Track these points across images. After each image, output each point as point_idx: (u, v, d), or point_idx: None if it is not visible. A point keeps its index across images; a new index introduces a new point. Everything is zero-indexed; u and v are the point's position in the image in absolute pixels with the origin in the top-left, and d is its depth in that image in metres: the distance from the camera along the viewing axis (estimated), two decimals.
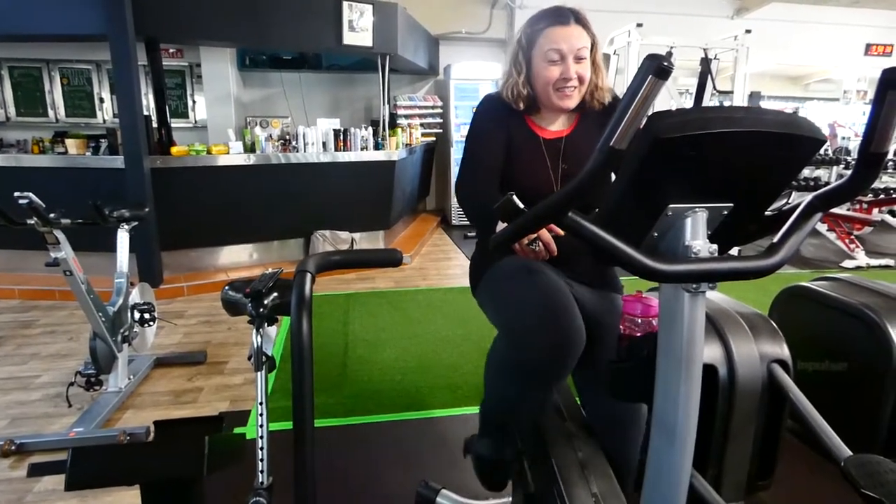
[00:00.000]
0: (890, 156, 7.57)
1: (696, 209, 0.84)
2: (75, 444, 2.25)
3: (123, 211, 2.70)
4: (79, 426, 2.37)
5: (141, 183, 4.12)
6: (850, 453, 1.27)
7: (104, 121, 6.84)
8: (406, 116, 7.01)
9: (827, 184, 0.95)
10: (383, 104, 5.82)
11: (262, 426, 1.32)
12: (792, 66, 9.43)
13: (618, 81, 5.90)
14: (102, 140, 4.74)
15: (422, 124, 7.11)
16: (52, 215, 2.28)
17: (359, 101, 7.55)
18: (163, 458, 1.06)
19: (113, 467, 1.03)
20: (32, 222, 2.27)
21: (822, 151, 6.78)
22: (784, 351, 1.62)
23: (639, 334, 1.13)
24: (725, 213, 0.86)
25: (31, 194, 2.18)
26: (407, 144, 6.05)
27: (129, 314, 2.78)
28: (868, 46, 8.29)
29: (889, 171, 6.56)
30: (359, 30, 5.06)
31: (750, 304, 1.81)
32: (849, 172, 0.84)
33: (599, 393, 1.42)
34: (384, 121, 5.75)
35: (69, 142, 4.53)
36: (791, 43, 7.99)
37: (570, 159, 1.52)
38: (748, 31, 5.50)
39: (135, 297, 2.88)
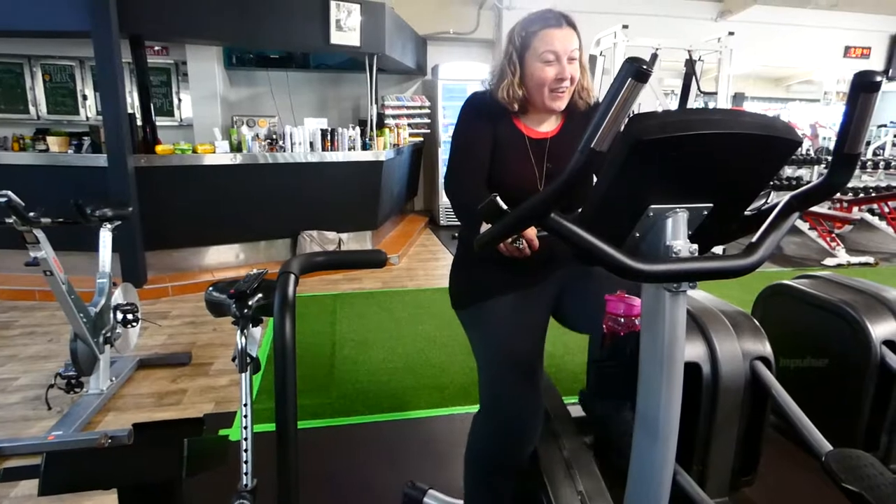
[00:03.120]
0: (869, 155, 7.73)
1: (677, 209, 0.85)
2: (54, 447, 2.22)
3: (106, 210, 2.66)
4: (58, 429, 2.33)
5: (124, 182, 4.07)
6: (831, 448, 1.29)
7: (87, 118, 6.75)
8: (394, 116, 6.99)
9: (808, 183, 0.96)
10: (371, 104, 5.80)
11: (246, 428, 1.31)
12: (774, 67, 9.56)
13: (604, 82, 5.93)
14: (85, 138, 4.68)
15: (409, 124, 7.09)
16: (31, 214, 2.24)
17: (346, 100, 7.52)
18: (140, 462, 1.05)
19: (89, 471, 1.01)
20: (11, 221, 2.23)
21: (803, 151, 6.89)
22: (766, 348, 1.64)
23: (622, 333, 1.14)
24: (705, 213, 0.87)
25: (9, 192, 2.15)
26: (395, 145, 6.03)
27: (111, 315, 2.74)
28: (847, 49, 8.42)
29: (868, 170, 6.68)
30: (346, 29, 5.04)
31: (734, 302, 1.83)
32: (826, 172, 0.86)
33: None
34: (372, 121, 5.73)
35: (51, 139, 4.45)
36: (773, 45, 8.09)
37: (556, 159, 1.54)
38: (731, 34, 5.56)
39: (118, 297, 2.84)
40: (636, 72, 0.67)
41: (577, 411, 1.80)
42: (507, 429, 1.45)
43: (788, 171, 6.92)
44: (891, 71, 8.41)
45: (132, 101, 5.38)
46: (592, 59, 5.57)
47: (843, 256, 5.49)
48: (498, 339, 1.49)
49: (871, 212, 6.32)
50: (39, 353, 3.28)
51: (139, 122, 4.71)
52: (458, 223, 1.70)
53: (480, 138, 1.52)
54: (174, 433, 1.10)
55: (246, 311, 1.29)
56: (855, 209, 6.17)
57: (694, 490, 1.45)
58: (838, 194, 5.92)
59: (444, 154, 7.19)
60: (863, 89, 0.73)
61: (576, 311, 1.59)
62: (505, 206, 0.82)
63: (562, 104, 1.50)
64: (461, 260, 1.65)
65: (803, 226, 5.88)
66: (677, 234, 0.85)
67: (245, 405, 1.31)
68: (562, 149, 1.54)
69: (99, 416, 2.56)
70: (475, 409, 1.53)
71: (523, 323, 1.51)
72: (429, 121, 7.38)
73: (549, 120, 1.57)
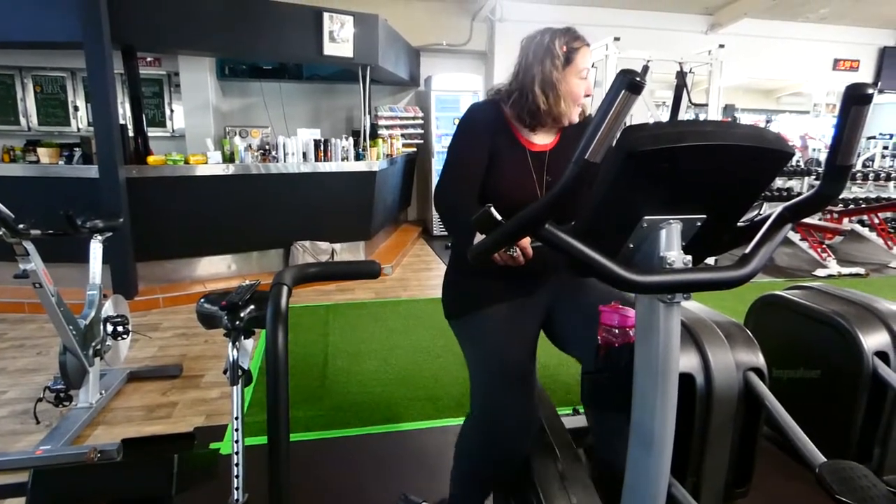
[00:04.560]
0: (859, 167, 7.81)
1: (671, 221, 0.85)
2: (42, 462, 2.18)
3: (97, 221, 2.64)
4: (47, 443, 2.30)
5: (116, 193, 4.04)
6: (825, 459, 1.29)
7: (78, 129, 6.72)
8: (387, 127, 7.02)
9: (799, 194, 0.97)
10: (364, 115, 5.81)
11: (237, 441, 1.29)
12: (764, 79, 9.68)
13: (596, 94, 5.97)
14: (76, 149, 4.65)
15: (403, 135, 7.12)
16: (21, 226, 2.22)
17: (340, 111, 7.54)
18: (130, 478, 1.03)
19: (77, 488, 1.00)
20: (0, 233, 2.21)
21: (794, 163, 6.95)
22: (759, 359, 1.64)
23: (616, 344, 1.13)
24: (699, 224, 0.87)
25: None
26: (388, 155, 6.04)
27: (101, 327, 2.72)
28: (836, 61, 8.54)
29: (858, 181, 6.74)
30: (339, 40, 5.06)
31: (727, 312, 1.84)
32: (819, 183, 0.86)
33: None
34: (365, 131, 5.74)
35: (41, 150, 4.41)
36: (763, 58, 8.20)
37: (555, 172, 1.55)
38: (721, 46, 5.63)
39: (108, 309, 2.81)
40: (630, 83, 0.68)
41: (571, 423, 1.79)
42: (497, 436, 1.45)
43: (779, 182, 6.98)
44: (880, 83, 8.53)
45: (124, 111, 5.36)
46: None
47: (834, 267, 5.53)
48: (490, 347, 1.49)
49: (862, 223, 6.38)
50: (28, 366, 3.24)
51: (131, 133, 4.69)
52: (447, 231, 1.71)
53: (476, 153, 1.52)
54: (164, 448, 1.09)
55: (238, 322, 1.28)
56: (845, 220, 6.22)
57: (688, 502, 1.44)
58: (829, 205, 5.97)
59: (437, 164, 7.21)
60: (855, 102, 0.73)
61: (566, 328, 1.59)
62: (500, 217, 0.82)
63: (577, 117, 1.56)
64: (454, 270, 1.65)
65: (794, 237, 5.92)
66: (671, 245, 0.85)
67: (236, 418, 1.30)
68: (560, 161, 1.55)
69: (88, 430, 2.52)
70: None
71: (516, 332, 1.51)
72: (422, 131, 7.41)
73: (549, 133, 1.58)
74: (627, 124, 0.75)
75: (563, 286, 1.59)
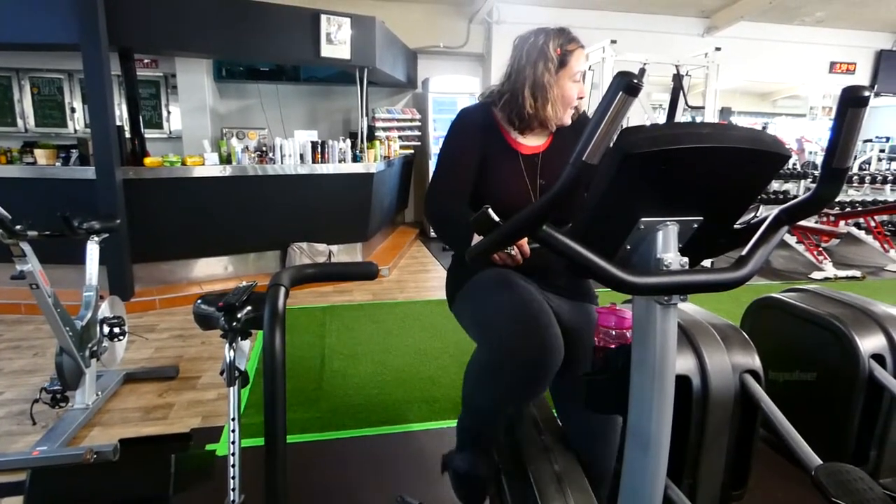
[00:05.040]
0: (855, 170, 7.84)
1: (668, 222, 0.85)
2: (39, 463, 2.17)
3: (93, 223, 2.64)
4: (43, 444, 2.29)
5: (112, 194, 4.04)
6: (821, 462, 1.29)
7: (75, 131, 6.72)
8: (384, 129, 7.02)
9: (795, 197, 0.97)
10: (361, 117, 5.82)
11: (234, 443, 1.29)
12: (760, 82, 9.71)
13: (593, 96, 5.99)
14: (73, 150, 4.64)
15: (400, 137, 7.12)
16: (18, 227, 2.21)
17: (337, 113, 7.54)
18: (127, 479, 1.03)
19: (74, 489, 1.00)
20: None
21: (790, 165, 6.98)
22: (756, 361, 1.65)
23: (613, 346, 1.14)
24: (696, 226, 0.88)
25: None
26: (385, 157, 6.04)
27: (98, 328, 2.71)
28: (832, 64, 8.58)
29: (854, 184, 6.77)
30: (337, 42, 5.06)
31: (723, 314, 1.84)
32: (815, 186, 0.87)
33: (577, 404, 1.43)
34: (362, 133, 5.75)
35: (38, 152, 4.40)
36: (759, 60, 8.23)
37: (548, 174, 1.54)
38: (718, 49, 5.65)
39: (104, 310, 2.81)
40: (627, 85, 0.68)
41: None
42: (538, 344, 1.26)
43: (775, 185, 7.00)
44: (876, 86, 8.57)
45: (121, 113, 5.37)
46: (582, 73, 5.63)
47: (830, 270, 5.55)
48: (500, 284, 1.41)
49: (858, 226, 6.40)
50: (25, 367, 3.22)
51: (128, 135, 4.68)
52: (438, 237, 1.67)
53: (468, 157, 1.51)
54: (161, 449, 1.09)
55: (235, 324, 1.28)
56: (842, 223, 6.24)
57: None
58: (825, 208, 5.98)
59: (434, 166, 7.20)
60: (851, 104, 0.74)
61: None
62: (497, 218, 0.82)
63: (570, 119, 1.54)
64: (457, 265, 1.63)
65: (791, 239, 5.94)
66: (668, 246, 0.85)
67: (233, 419, 1.30)
68: (553, 163, 1.55)
69: (84, 431, 2.51)
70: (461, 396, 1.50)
71: (526, 286, 1.44)
72: (419, 133, 7.42)
73: (540, 135, 1.58)
74: (624, 126, 0.75)
75: (564, 293, 1.58)
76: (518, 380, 1.29)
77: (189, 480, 1.06)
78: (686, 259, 0.86)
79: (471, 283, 1.51)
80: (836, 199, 6.27)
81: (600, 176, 0.78)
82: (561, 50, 1.46)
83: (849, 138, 0.76)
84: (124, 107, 4.89)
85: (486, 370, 1.38)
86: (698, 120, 6.09)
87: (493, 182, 1.52)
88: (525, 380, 1.29)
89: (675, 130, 0.77)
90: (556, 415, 1.71)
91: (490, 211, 0.82)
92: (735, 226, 0.93)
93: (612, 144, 0.73)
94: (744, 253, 0.88)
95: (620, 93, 0.68)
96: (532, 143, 1.56)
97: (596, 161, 0.72)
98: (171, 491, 1.01)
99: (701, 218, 0.87)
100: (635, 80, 0.68)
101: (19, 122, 6.62)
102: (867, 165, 8.46)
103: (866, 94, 0.73)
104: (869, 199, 6.65)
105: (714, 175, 0.82)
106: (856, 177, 6.79)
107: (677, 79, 5.63)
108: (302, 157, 5.03)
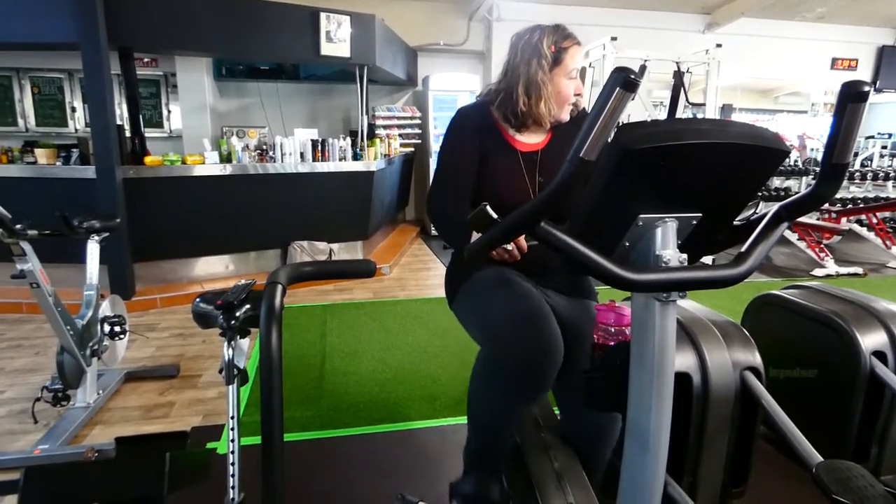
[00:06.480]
0: (857, 166, 7.82)
1: (666, 219, 0.85)
2: (40, 461, 2.18)
3: (94, 222, 2.64)
4: (44, 443, 2.29)
5: (113, 193, 4.04)
6: (821, 459, 1.29)
7: (76, 130, 6.72)
8: (384, 127, 7.01)
9: (796, 193, 0.96)
10: (361, 115, 5.81)
11: (233, 441, 1.29)
12: (762, 79, 9.69)
13: (593, 93, 5.98)
14: (73, 150, 4.64)
15: (400, 135, 7.11)
16: (18, 226, 2.22)
17: (337, 111, 7.53)
18: (121, 476, 1.03)
19: (69, 486, 1.00)
20: None
21: (791, 162, 6.96)
22: (756, 358, 1.65)
23: (612, 343, 1.13)
24: (695, 222, 0.87)
25: None
26: (385, 155, 6.04)
27: (98, 327, 2.71)
28: (834, 61, 8.55)
29: (856, 181, 6.75)
30: (336, 40, 5.06)
31: (724, 312, 1.84)
32: (815, 182, 0.86)
33: (576, 400, 1.43)
34: (362, 131, 5.74)
35: (39, 151, 4.40)
36: (760, 57, 8.21)
37: (547, 171, 1.54)
38: (719, 46, 5.63)
39: (105, 309, 2.81)
40: (624, 81, 0.68)
41: None
42: (522, 355, 1.27)
43: (777, 181, 6.99)
44: (878, 82, 8.54)
45: (121, 112, 5.36)
46: (582, 70, 5.63)
47: (832, 267, 5.53)
48: (500, 286, 1.42)
49: (860, 222, 6.38)
50: (26, 366, 3.23)
51: (128, 134, 4.68)
52: (440, 236, 1.67)
53: (467, 157, 1.51)
54: (157, 447, 1.08)
55: (233, 322, 1.27)
56: (843, 220, 6.22)
57: (685, 501, 1.44)
58: (827, 205, 5.98)
59: (434, 164, 7.20)
60: (850, 100, 0.73)
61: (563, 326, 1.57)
62: (495, 216, 0.82)
63: (568, 116, 1.53)
64: (456, 263, 1.63)
65: (792, 236, 5.93)
66: (667, 243, 0.85)
67: (232, 418, 1.29)
68: (552, 160, 1.55)
69: (86, 430, 2.52)
70: (466, 420, 1.50)
71: (525, 286, 1.45)
72: (420, 131, 7.41)
73: (538, 133, 1.58)
74: (624, 122, 0.75)
75: (563, 290, 1.58)
76: (519, 379, 1.29)
77: (184, 479, 1.06)
78: (685, 256, 0.86)
79: (470, 282, 1.51)
80: (839, 196, 6.27)
81: (598, 172, 0.77)
82: (555, 47, 1.46)
83: (848, 134, 0.76)
84: (124, 106, 4.89)
85: (488, 369, 1.38)
86: (699, 117, 6.08)
87: (492, 180, 1.52)
88: (526, 378, 1.29)
89: (674, 126, 0.77)
90: (556, 412, 1.71)
91: (488, 208, 0.81)
92: (734, 222, 0.93)
93: (610, 141, 0.73)
94: (743, 249, 0.87)
95: (618, 89, 0.68)
96: (530, 140, 1.56)
97: (594, 157, 0.72)
98: (165, 490, 1.01)
99: (700, 214, 0.86)
100: (632, 77, 0.67)
101: (20, 121, 6.62)
102: (869, 162, 8.44)
103: (865, 89, 0.72)
104: (871, 195, 6.63)
105: (713, 171, 0.81)
106: (858, 173, 6.77)
107: (678, 76, 5.62)
108: (302, 155, 5.03)
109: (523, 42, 1.48)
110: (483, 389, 1.41)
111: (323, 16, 4.92)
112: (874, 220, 6.16)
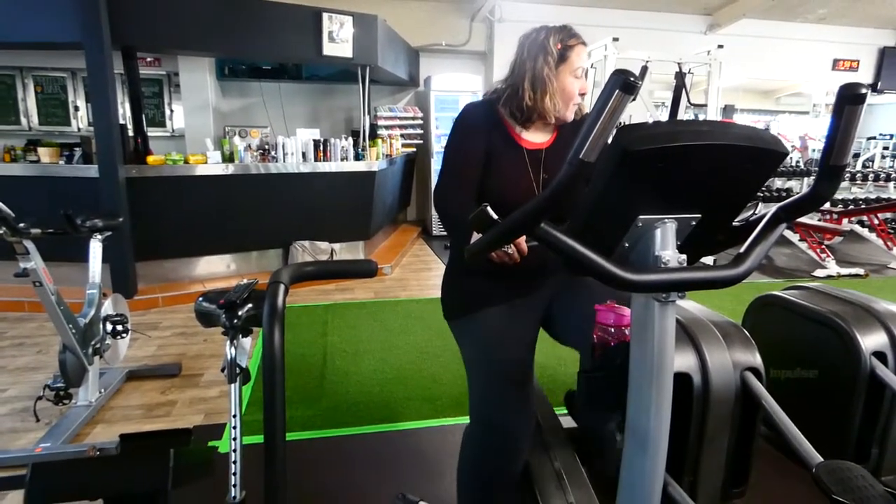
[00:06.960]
0: (858, 167, 7.81)
1: (666, 220, 0.85)
2: (42, 459, 2.19)
3: (96, 221, 2.65)
4: (46, 441, 2.30)
5: (115, 192, 4.05)
6: (822, 459, 1.29)
7: (79, 129, 6.73)
8: (386, 127, 7.02)
9: (797, 194, 0.97)
10: (364, 115, 5.82)
11: (235, 439, 1.29)
12: (763, 80, 9.68)
13: (595, 94, 5.99)
14: (76, 149, 4.66)
15: (402, 135, 7.12)
16: (21, 225, 2.23)
17: (339, 111, 7.54)
18: (126, 472, 1.04)
19: (75, 482, 1.00)
20: (0, 232, 2.21)
21: (793, 163, 6.96)
22: (757, 359, 1.64)
23: (612, 343, 1.14)
24: (694, 223, 0.88)
25: None
26: (387, 155, 6.04)
27: (100, 326, 2.72)
28: (835, 62, 8.54)
29: (857, 182, 6.75)
30: (339, 41, 5.07)
31: (725, 312, 1.84)
32: (813, 183, 0.87)
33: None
34: (364, 131, 5.75)
35: (42, 150, 4.42)
36: (762, 58, 8.20)
37: (551, 170, 1.54)
38: (720, 47, 5.63)
39: (107, 308, 2.82)
40: (623, 83, 0.68)
41: (568, 422, 1.79)
42: (499, 441, 1.44)
43: (778, 182, 6.98)
44: (879, 83, 8.53)
45: (124, 111, 5.37)
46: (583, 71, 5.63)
47: (833, 268, 5.53)
48: (489, 350, 1.49)
49: (861, 223, 6.38)
50: (28, 364, 3.24)
51: (131, 133, 4.69)
52: (447, 232, 1.69)
53: (473, 153, 1.52)
54: (161, 444, 1.09)
55: (235, 321, 1.28)
56: (845, 221, 6.22)
57: (685, 501, 1.45)
58: (828, 206, 5.97)
59: (436, 164, 7.21)
60: (848, 101, 0.74)
61: (564, 323, 1.59)
62: (495, 216, 0.82)
63: (572, 116, 1.54)
64: (453, 270, 1.65)
65: (794, 237, 5.92)
66: (666, 244, 0.85)
67: (234, 416, 1.30)
68: (556, 159, 1.55)
69: (87, 428, 2.53)
70: (467, 420, 1.52)
71: (514, 334, 1.51)
72: (421, 131, 7.41)
73: (544, 131, 1.58)
74: (625, 123, 0.75)
75: (562, 285, 1.59)
76: (489, 444, 1.46)
77: (188, 475, 1.07)
78: (684, 256, 0.86)
79: (467, 319, 1.56)
80: (840, 197, 6.26)
81: (598, 173, 0.78)
82: (561, 45, 1.47)
83: (846, 135, 0.76)
84: (127, 105, 4.89)
85: (470, 428, 1.53)
86: (701, 118, 6.08)
87: (496, 177, 1.53)
88: (496, 446, 1.44)
89: (674, 128, 0.77)
90: (556, 412, 1.72)
91: (488, 209, 0.81)
92: (733, 223, 0.93)
93: (609, 142, 0.74)
94: (742, 250, 0.88)
95: (617, 91, 0.68)
96: (536, 138, 1.57)
97: (593, 159, 0.72)
98: (169, 485, 1.02)
99: (699, 215, 0.87)
100: (632, 79, 0.68)
101: (23, 120, 6.64)
102: (871, 163, 8.43)
103: (863, 91, 0.73)
104: (872, 196, 6.62)
105: (712, 172, 0.82)
106: (859, 174, 6.76)
107: (680, 76, 5.62)
108: (304, 155, 5.04)
109: (530, 41, 1.51)
110: (467, 455, 1.56)
111: (325, 16, 4.93)
112: (875, 221, 6.16)
